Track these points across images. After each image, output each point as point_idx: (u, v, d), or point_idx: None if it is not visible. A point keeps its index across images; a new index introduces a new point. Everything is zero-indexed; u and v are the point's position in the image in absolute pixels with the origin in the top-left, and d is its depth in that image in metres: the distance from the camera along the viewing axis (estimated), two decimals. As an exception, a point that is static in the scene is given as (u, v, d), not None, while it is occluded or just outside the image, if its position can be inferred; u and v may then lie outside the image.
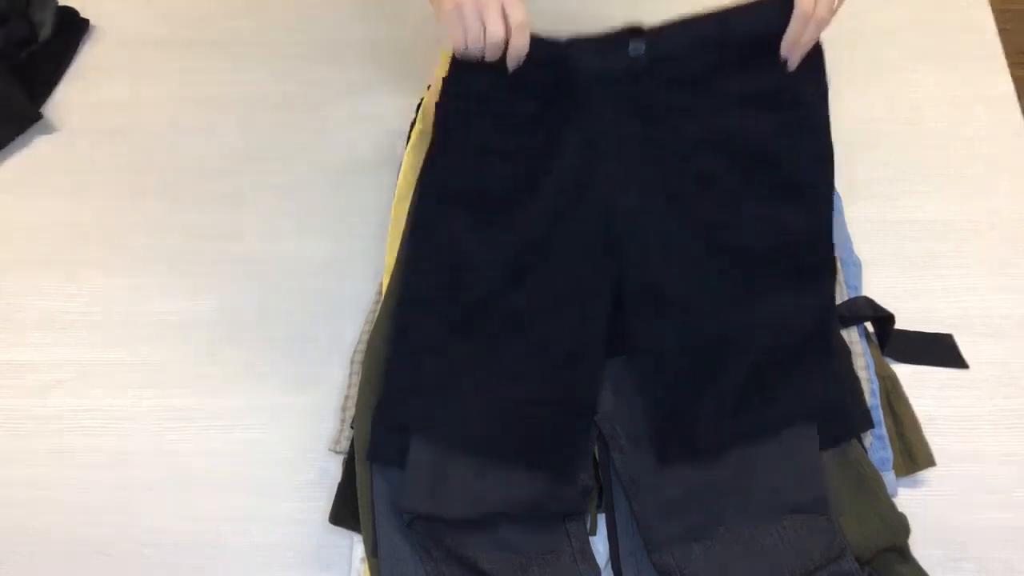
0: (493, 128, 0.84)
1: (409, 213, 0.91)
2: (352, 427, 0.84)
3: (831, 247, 0.84)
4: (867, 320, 0.88)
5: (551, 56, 0.81)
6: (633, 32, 0.81)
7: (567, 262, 0.83)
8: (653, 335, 0.81)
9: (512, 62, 0.79)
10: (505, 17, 0.76)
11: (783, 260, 0.82)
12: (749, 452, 0.79)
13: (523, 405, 0.80)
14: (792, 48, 0.79)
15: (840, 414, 0.80)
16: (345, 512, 0.83)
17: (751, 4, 0.79)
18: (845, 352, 0.84)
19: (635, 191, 0.82)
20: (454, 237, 0.83)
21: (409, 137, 0.97)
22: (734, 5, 0.80)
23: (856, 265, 0.93)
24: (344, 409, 0.89)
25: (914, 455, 0.84)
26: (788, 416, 0.79)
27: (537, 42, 0.80)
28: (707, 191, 0.82)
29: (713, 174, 0.82)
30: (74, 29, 1.23)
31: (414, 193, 0.91)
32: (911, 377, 0.89)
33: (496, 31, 0.76)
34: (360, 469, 0.81)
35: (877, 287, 0.94)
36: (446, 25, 0.77)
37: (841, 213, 0.96)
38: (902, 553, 0.76)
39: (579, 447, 0.80)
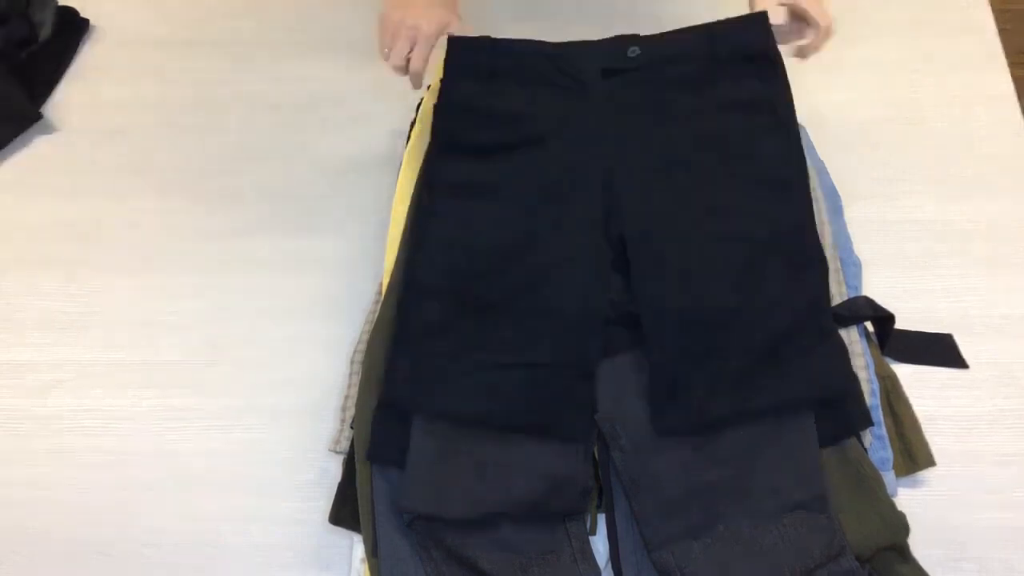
0: (492, 125, 0.90)
1: (410, 209, 0.92)
2: (352, 427, 0.84)
3: (816, 240, 0.86)
4: (867, 320, 0.88)
5: (555, 56, 0.89)
6: (631, 39, 0.90)
7: (569, 240, 0.85)
8: (656, 306, 0.83)
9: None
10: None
11: (773, 249, 0.84)
12: (748, 450, 0.79)
13: (523, 374, 0.81)
14: (809, 53, 0.92)
15: (838, 406, 0.80)
16: (345, 512, 0.83)
17: (733, 19, 0.89)
18: (842, 346, 0.84)
19: (636, 179, 0.87)
20: (454, 224, 0.87)
21: (409, 137, 0.97)
22: (717, 21, 0.90)
23: (856, 265, 0.93)
24: (344, 409, 0.89)
25: (914, 455, 0.84)
26: (786, 397, 0.79)
27: (542, 44, 0.89)
28: (701, 183, 0.87)
29: (704, 168, 0.87)
30: (74, 29, 1.23)
31: (414, 189, 0.92)
32: (911, 377, 0.89)
33: (399, 64, 0.89)
34: (360, 469, 0.81)
35: (877, 287, 0.94)
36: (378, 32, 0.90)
37: (841, 213, 0.96)
38: (902, 552, 0.76)
39: (581, 411, 0.81)
